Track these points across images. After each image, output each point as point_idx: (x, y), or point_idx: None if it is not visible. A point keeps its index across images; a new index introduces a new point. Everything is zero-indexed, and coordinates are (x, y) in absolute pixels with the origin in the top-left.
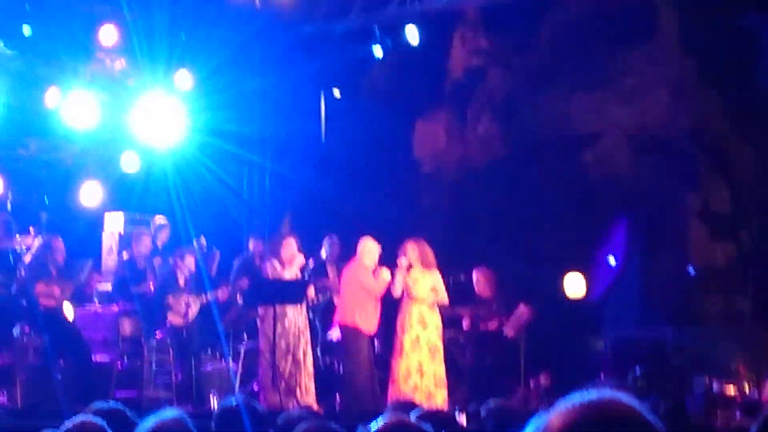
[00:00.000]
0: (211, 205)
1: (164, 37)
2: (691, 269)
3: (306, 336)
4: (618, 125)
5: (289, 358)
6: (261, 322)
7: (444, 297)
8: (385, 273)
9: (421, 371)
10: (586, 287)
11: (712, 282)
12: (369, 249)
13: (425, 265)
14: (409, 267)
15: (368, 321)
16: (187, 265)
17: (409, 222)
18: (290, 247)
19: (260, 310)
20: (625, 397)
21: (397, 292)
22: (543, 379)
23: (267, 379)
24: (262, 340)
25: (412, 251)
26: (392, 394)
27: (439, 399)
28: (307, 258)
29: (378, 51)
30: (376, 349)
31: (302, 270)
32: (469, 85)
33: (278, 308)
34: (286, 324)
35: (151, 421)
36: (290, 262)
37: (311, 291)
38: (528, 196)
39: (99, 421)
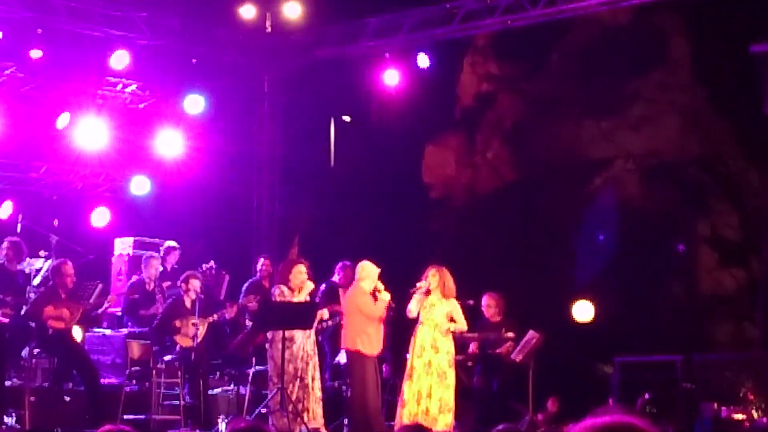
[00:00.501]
0: (220, 228)
1: (175, 62)
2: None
3: (314, 360)
4: (628, 152)
5: (297, 382)
6: (269, 346)
7: (463, 326)
8: (385, 295)
9: (430, 395)
10: (594, 313)
11: (721, 309)
12: (367, 272)
13: (444, 292)
14: (428, 292)
15: (371, 345)
16: (192, 289)
17: (417, 246)
18: (300, 274)
19: (269, 334)
20: (639, 421)
21: (411, 313)
22: (551, 404)
23: (275, 403)
24: (270, 364)
25: (433, 277)
26: (402, 417)
27: (441, 424)
28: (317, 283)
29: (392, 76)
30: (384, 372)
31: (311, 295)
32: (479, 110)
33: (287, 332)
34: (294, 349)
35: None
36: (299, 289)
37: (321, 314)
38: (537, 221)
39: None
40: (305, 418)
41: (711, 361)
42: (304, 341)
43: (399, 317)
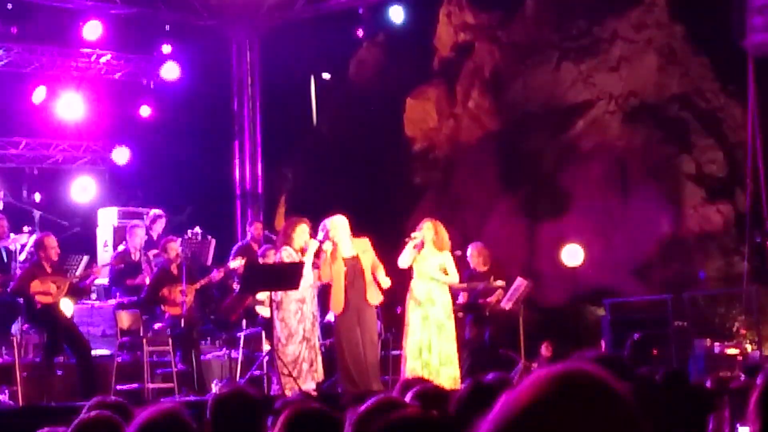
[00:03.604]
0: (205, 194)
1: (148, 29)
2: (701, 274)
3: (317, 321)
4: (608, 93)
5: (305, 343)
6: (277, 309)
7: (455, 278)
8: (361, 243)
9: (430, 348)
10: (583, 256)
11: (710, 245)
12: (335, 227)
13: (437, 245)
14: (422, 244)
15: (333, 304)
16: (174, 253)
17: (403, 201)
18: (303, 233)
19: (277, 297)
20: (592, 367)
21: (403, 264)
22: (545, 349)
23: (281, 365)
24: (281, 325)
25: (427, 230)
26: (404, 372)
27: (444, 376)
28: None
29: (361, 32)
30: (379, 328)
31: (316, 254)
32: (458, 61)
33: (298, 294)
34: (305, 310)
35: (146, 412)
36: (303, 250)
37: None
38: (521, 168)
39: (110, 413)
40: (316, 377)
41: (702, 298)
42: (311, 302)
43: (392, 270)
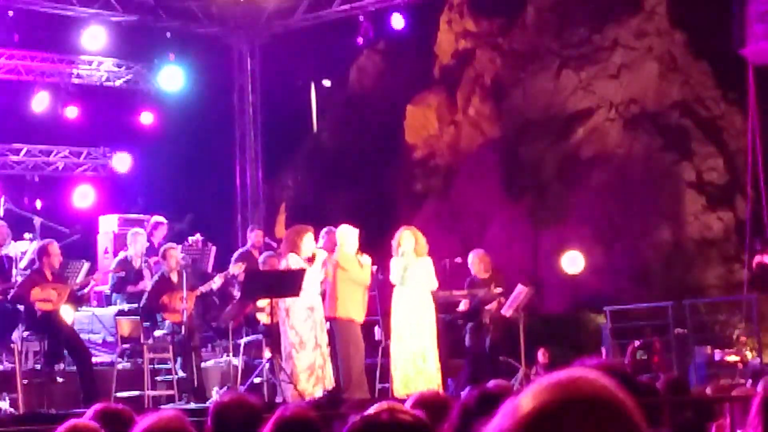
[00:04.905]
0: (205, 201)
1: (149, 37)
2: None
3: (325, 327)
4: (609, 101)
5: (318, 350)
6: (286, 316)
7: (434, 283)
8: (366, 259)
9: (424, 356)
10: (584, 264)
11: (710, 252)
12: (346, 237)
13: (418, 251)
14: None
15: (360, 310)
16: (174, 260)
17: (403, 208)
18: (311, 242)
19: (286, 304)
20: (594, 375)
21: (396, 279)
22: (541, 357)
23: (296, 371)
24: (291, 332)
25: (408, 238)
26: (396, 381)
27: (437, 383)
28: None
29: (360, 39)
30: (377, 335)
31: (324, 264)
32: (458, 68)
33: (308, 302)
34: (316, 318)
35: (148, 420)
36: (310, 259)
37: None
38: (521, 175)
39: (92, 423)
40: (326, 384)
41: (702, 305)
42: (321, 309)
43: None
